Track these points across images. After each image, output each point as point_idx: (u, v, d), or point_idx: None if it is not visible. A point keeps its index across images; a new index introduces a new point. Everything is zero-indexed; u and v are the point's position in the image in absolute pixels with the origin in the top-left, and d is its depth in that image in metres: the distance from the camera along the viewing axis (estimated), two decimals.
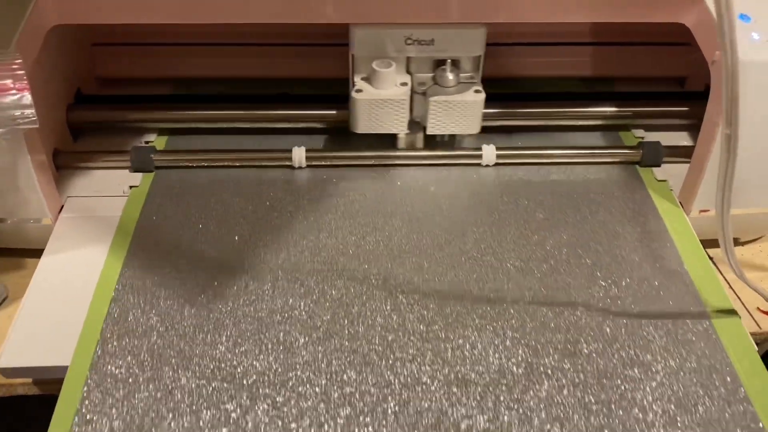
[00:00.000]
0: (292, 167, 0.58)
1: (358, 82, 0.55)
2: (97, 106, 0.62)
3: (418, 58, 0.55)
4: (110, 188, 0.56)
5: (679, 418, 0.40)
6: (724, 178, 0.38)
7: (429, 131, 0.57)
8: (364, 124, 0.56)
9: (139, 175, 0.57)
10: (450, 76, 0.55)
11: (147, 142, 0.61)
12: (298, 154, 0.58)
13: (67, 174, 0.57)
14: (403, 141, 0.59)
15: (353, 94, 0.55)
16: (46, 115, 0.54)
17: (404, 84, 0.55)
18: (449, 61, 0.55)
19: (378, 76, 0.54)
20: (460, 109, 0.55)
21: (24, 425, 0.54)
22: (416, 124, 0.58)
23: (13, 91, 0.43)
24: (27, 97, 0.43)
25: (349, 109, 0.56)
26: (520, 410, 0.41)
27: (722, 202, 0.39)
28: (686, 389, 0.42)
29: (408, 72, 0.56)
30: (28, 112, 0.44)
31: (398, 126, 0.56)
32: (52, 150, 0.57)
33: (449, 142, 0.61)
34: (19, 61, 0.44)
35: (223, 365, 0.43)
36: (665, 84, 0.69)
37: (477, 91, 0.55)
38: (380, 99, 0.54)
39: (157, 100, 0.63)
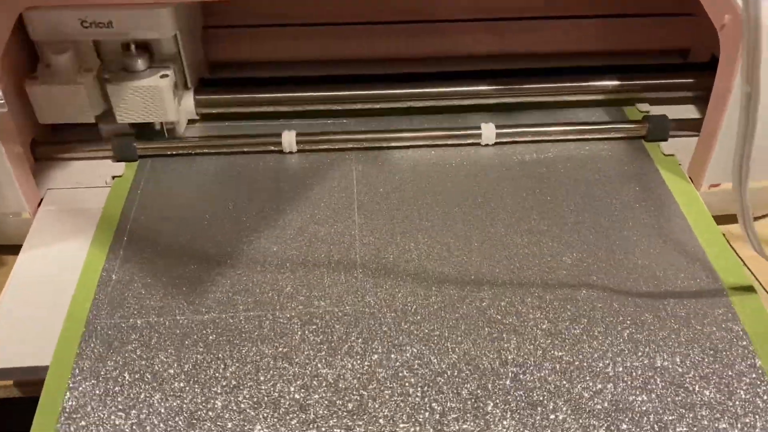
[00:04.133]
0: (282, 152, 0.56)
1: (40, 69, 0.52)
2: None
3: (105, 42, 0.52)
4: (92, 179, 0.54)
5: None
6: (743, 142, 0.35)
7: (118, 120, 0.53)
8: (47, 114, 0.52)
9: (122, 164, 0.55)
10: (137, 61, 0.52)
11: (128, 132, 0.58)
12: (288, 139, 0.55)
13: (46, 165, 0.55)
14: (104, 132, 0.55)
15: (26, 81, 0.51)
16: (23, 103, 0.52)
17: (88, 71, 0.52)
18: (133, 45, 0.52)
19: (56, 62, 0.51)
20: (144, 95, 0.52)
21: (7, 429, 0.51)
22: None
23: None
24: None
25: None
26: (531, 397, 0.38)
27: (741, 168, 0.36)
28: (702, 365, 0.40)
29: (100, 59, 0.53)
30: None
31: (85, 116, 0.53)
32: (30, 140, 0.54)
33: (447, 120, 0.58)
34: None
35: (209, 362, 0.41)
36: (667, 56, 0.66)
37: (163, 76, 0.52)
38: (57, 87, 0.51)
39: None
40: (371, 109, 0.60)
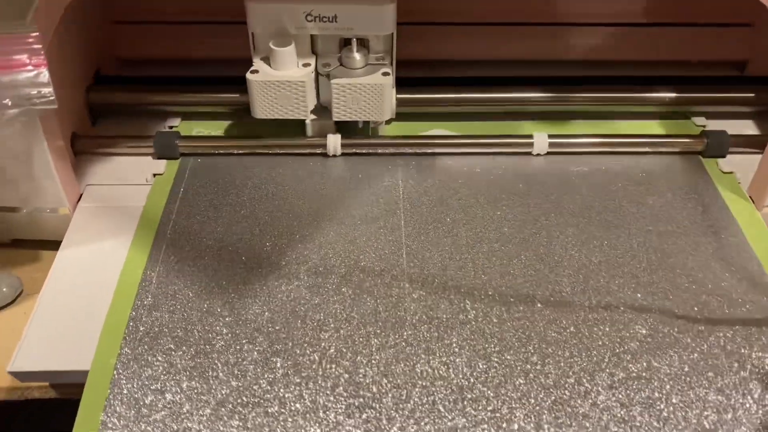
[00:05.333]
0: (326, 155, 0.54)
1: (257, 62, 0.50)
2: (119, 87, 0.58)
3: (323, 36, 0.50)
4: (132, 176, 0.53)
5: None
6: None
7: (335, 117, 0.52)
8: (262, 109, 0.51)
9: (163, 162, 0.53)
10: (356, 56, 0.50)
11: (171, 127, 0.57)
12: (333, 142, 0.54)
13: (85, 160, 0.54)
14: (311, 128, 0.54)
15: (248, 75, 0.50)
16: (64, 96, 0.50)
17: (306, 65, 0.51)
18: (355, 40, 0.50)
19: (276, 55, 0.49)
20: (366, 93, 0.50)
21: (43, 429, 0.50)
22: (326, 110, 0.53)
23: (29, 68, 0.39)
24: (44, 75, 0.39)
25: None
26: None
27: None
28: None
29: (314, 52, 0.51)
30: (45, 90, 0.39)
31: (300, 111, 0.51)
32: (70, 134, 0.53)
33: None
34: (36, 34, 0.40)
35: (255, 366, 0.39)
36: (723, 68, 0.64)
37: (385, 74, 0.50)
38: (277, 81, 0.49)
39: (181, 82, 0.59)
40: (415, 113, 0.58)
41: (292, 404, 0.38)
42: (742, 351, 0.40)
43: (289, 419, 0.37)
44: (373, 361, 0.40)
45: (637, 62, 0.63)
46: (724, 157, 0.54)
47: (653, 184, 0.52)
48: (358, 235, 0.47)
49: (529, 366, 0.39)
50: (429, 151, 0.54)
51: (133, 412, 0.37)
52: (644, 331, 0.41)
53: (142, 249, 0.46)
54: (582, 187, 0.52)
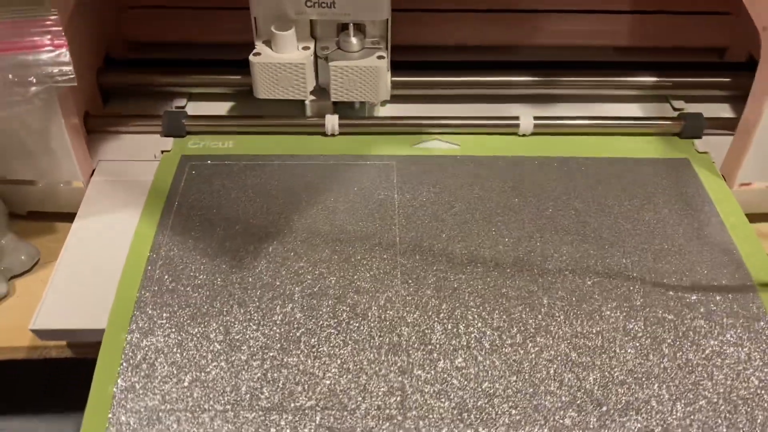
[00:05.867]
0: (324, 134, 0.57)
1: (259, 45, 0.53)
2: (129, 69, 0.61)
3: (322, 21, 0.53)
4: (141, 153, 0.56)
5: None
6: None
7: (333, 98, 0.55)
8: (264, 90, 0.54)
9: (170, 139, 0.57)
10: (353, 40, 0.53)
11: (178, 107, 0.60)
12: (331, 121, 0.57)
13: (97, 138, 0.57)
14: (311, 108, 0.57)
15: (251, 57, 0.53)
16: (78, 76, 0.53)
17: (306, 48, 0.54)
18: (352, 25, 0.53)
19: (277, 39, 0.52)
20: (362, 75, 0.53)
21: (60, 387, 0.54)
22: (325, 92, 0.56)
23: (50, 48, 0.42)
24: (65, 54, 0.42)
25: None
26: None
27: None
28: (731, 359, 0.41)
29: (312, 36, 0.54)
30: (66, 69, 0.43)
31: (300, 92, 0.54)
32: (84, 113, 0.56)
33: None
34: (55, 17, 0.43)
35: (262, 325, 0.43)
36: (703, 54, 0.67)
37: (380, 57, 0.53)
38: (278, 63, 0.52)
39: (187, 64, 0.62)
40: (409, 96, 0.61)
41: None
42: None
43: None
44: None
45: (620, 48, 0.66)
46: (699, 138, 0.58)
47: (631, 162, 0.55)
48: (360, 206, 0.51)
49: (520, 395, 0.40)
50: (420, 131, 0.58)
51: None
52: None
53: (152, 218, 0.49)
54: (562, 163, 0.55)
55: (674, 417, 0.39)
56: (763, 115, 0.50)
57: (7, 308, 0.48)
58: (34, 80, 0.41)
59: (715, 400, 0.40)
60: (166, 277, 0.45)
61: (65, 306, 0.45)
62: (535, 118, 0.57)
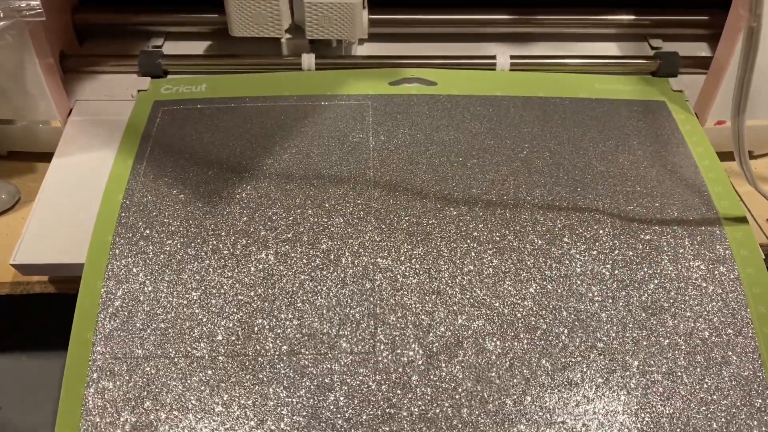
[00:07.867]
0: (301, 70, 0.57)
1: None
2: (104, 8, 0.60)
3: None
4: (118, 92, 0.56)
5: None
6: (742, 77, 0.37)
7: (308, 35, 0.54)
8: (239, 27, 0.54)
9: (147, 79, 0.57)
10: None
11: (155, 47, 0.60)
12: (308, 60, 0.57)
13: (74, 77, 0.57)
14: (287, 47, 0.57)
15: None
16: (52, 16, 0.53)
17: None
18: None
19: None
20: (337, 12, 0.53)
21: (47, 322, 0.55)
22: (301, 30, 0.55)
23: None
24: None
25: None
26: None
27: (739, 102, 0.38)
28: (695, 301, 0.43)
29: None
30: (33, 3, 0.43)
31: (275, 29, 0.54)
32: (59, 53, 0.56)
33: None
34: None
35: (237, 271, 0.43)
36: None
37: None
38: (257, 1, 0.52)
39: (163, 2, 0.61)
40: (386, 34, 0.61)
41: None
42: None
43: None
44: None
45: None
46: (675, 76, 0.58)
47: (606, 99, 0.55)
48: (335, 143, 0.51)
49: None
50: (398, 68, 0.58)
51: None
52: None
53: (128, 154, 0.50)
54: (539, 100, 0.55)
55: (636, 358, 0.41)
56: (735, 49, 0.50)
57: None
58: (1, 14, 0.41)
59: (677, 341, 0.41)
60: (140, 224, 0.46)
61: (45, 241, 0.46)
62: (513, 56, 0.57)
